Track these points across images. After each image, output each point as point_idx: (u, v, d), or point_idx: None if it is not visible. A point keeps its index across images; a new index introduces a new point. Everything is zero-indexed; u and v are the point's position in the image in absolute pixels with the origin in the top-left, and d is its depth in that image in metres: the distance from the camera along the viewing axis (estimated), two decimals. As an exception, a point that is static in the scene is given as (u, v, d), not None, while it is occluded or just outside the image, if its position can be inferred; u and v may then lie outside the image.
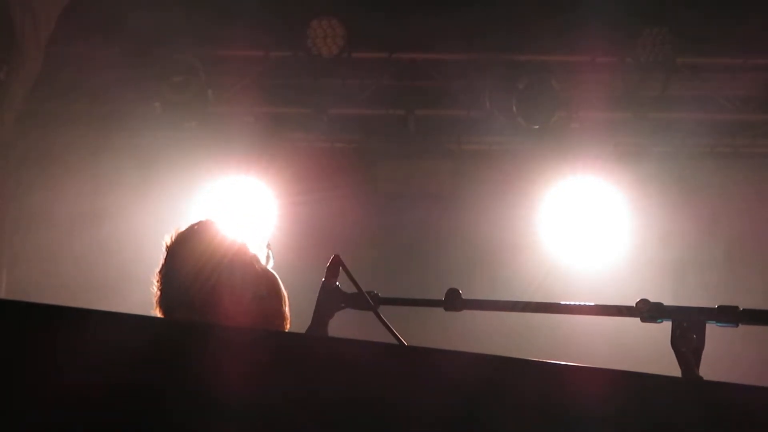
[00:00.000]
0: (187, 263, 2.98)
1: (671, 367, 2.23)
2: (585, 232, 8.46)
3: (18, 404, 1.67)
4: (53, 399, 1.67)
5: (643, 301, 2.40)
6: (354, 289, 2.61)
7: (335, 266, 2.62)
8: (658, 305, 2.38)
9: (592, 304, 2.59)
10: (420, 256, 8.42)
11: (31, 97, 7.79)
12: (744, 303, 2.36)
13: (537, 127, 8.17)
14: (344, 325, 2.61)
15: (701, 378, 2.24)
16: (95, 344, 1.69)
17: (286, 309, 2.98)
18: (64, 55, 7.83)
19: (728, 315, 2.33)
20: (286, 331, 2.94)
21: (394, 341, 2.52)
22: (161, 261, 3.03)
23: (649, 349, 4.23)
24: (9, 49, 7.30)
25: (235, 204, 8.16)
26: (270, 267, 3.05)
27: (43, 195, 8.20)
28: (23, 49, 7.35)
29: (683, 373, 2.25)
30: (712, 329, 2.33)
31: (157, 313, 2.99)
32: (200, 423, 1.69)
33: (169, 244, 3.05)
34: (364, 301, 2.60)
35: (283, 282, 3.02)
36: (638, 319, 2.41)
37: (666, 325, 2.35)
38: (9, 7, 7.09)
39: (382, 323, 2.57)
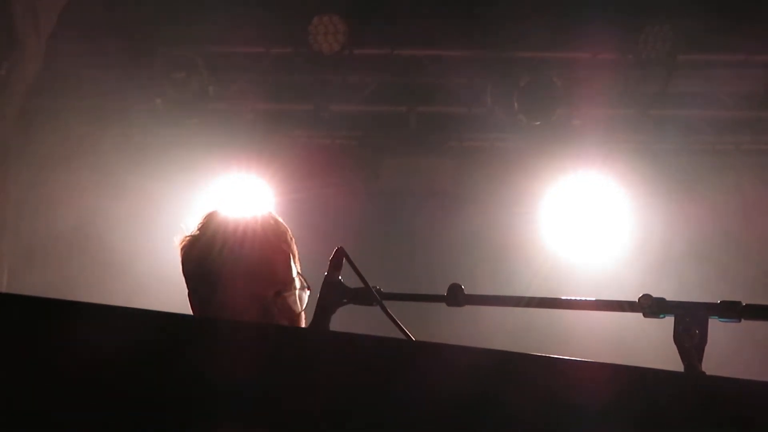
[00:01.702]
0: (205, 236, 2.99)
1: (674, 363, 2.23)
2: (587, 228, 8.46)
3: (15, 398, 1.66)
4: (51, 393, 1.67)
5: (646, 297, 2.39)
6: (356, 284, 2.58)
7: (339, 259, 2.55)
8: (661, 300, 2.38)
9: (595, 299, 2.59)
10: (421, 252, 8.42)
11: (32, 94, 7.78)
12: (746, 298, 2.35)
13: (538, 123, 8.17)
14: (344, 322, 2.59)
15: (704, 373, 2.24)
16: (92, 337, 1.69)
17: (297, 307, 2.95)
18: (64, 51, 7.82)
19: (731, 310, 2.32)
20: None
21: (398, 336, 2.50)
22: (192, 234, 3.05)
23: (651, 345, 4.22)
24: (10, 46, 7.29)
25: (235, 200, 8.15)
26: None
27: (43, 191, 8.20)
28: (24, 46, 7.34)
29: (686, 368, 2.25)
30: (714, 324, 2.33)
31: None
32: (199, 418, 1.69)
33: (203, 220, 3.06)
34: (368, 295, 2.54)
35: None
36: (641, 315, 2.41)
37: (668, 321, 2.34)
38: (10, 3, 7.09)
39: (389, 317, 2.52)
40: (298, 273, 2.98)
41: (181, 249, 3.03)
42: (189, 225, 3.06)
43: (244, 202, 8.04)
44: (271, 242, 2.97)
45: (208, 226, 3.02)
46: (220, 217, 3.04)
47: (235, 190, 8.23)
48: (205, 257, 2.97)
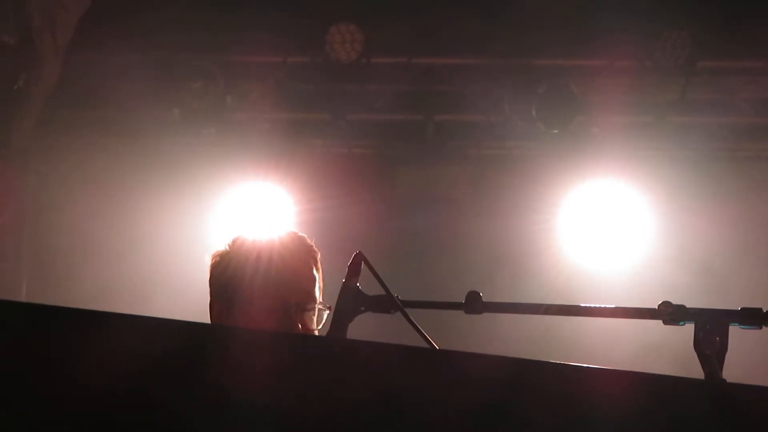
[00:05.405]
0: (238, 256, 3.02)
1: (694, 370, 2.21)
2: (605, 235, 8.44)
3: (24, 409, 1.66)
4: (61, 404, 1.66)
5: (666, 304, 2.38)
6: (374, 292, 2.55)
7: (357, 264, 2.52)
8: (681, 307, 2.37)
9: (614, 306, 2.57)
10: (439, 260, 8.40)
11: (50, 104, 7.81)
12: (766, 305, 2.34)
13: (556, 131, 8.16)
14: (360, 329, 2.57)
15: (724, 380, 2.22)
16: (106, 347, 1.68)
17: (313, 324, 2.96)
18: (82, 62, 7.85)
19: (751, 317, 2.31)
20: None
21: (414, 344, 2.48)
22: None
23: (671, 352, 4.21)
24: (28, 57, 7.32)
25: (253, 210, 8.15)
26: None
27: (61, 201, 8.22)
28: (42, 57, 7.37)
29: (706, 375, 2.23)
30: (735, 332, 2.31)
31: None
32: (214, 427, 1.68)
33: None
34: (386, 303, 2.52)
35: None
36: (661, 322, 2.40)
37: (689, 328, 2.33)
38: (28, 13, 7.12)
39: (412, 325, 2.49)
40: (320, 291, 2.99)
41: (211, 264, 3.05)
42: (220, 244, 3.10)
43: (265, 215, 8.06)
44: (299, 255, 3.00)
45: (236, 242, 3.05)
46: (249, 235, 3.09)
47: (253, 199, 8.23)
48: (229, 266, 2.99)
